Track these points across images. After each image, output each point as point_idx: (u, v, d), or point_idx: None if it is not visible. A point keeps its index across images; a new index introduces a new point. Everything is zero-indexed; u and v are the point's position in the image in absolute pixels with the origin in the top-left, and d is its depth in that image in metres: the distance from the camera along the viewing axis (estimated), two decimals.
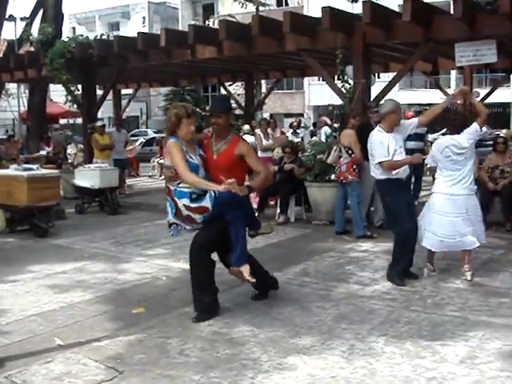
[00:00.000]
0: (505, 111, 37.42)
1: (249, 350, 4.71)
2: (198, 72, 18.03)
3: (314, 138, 16.66)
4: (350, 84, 10.32)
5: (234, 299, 5.99)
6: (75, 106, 15.37)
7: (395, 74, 11.34)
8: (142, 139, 28.86)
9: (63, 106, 20.67)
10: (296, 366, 4.38)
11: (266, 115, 30.73)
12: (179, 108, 5.42)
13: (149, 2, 51.43)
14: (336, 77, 10.71)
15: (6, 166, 11.48)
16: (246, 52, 11.68)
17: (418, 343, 4.78)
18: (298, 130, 17.85)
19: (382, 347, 4.71)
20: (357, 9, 11.29)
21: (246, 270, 5.41)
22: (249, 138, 11.40)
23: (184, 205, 5.31)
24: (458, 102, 6.65)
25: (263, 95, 21.77)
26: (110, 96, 17.03)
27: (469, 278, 6.60)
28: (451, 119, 6.72)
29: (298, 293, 6.29)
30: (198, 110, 5.40)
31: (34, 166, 10.33)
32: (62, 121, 31.66)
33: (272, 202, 11.43)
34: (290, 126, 18.79)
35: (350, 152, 9.11)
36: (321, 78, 14.49)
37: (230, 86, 22.35)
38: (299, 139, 16.47)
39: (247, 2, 28.83)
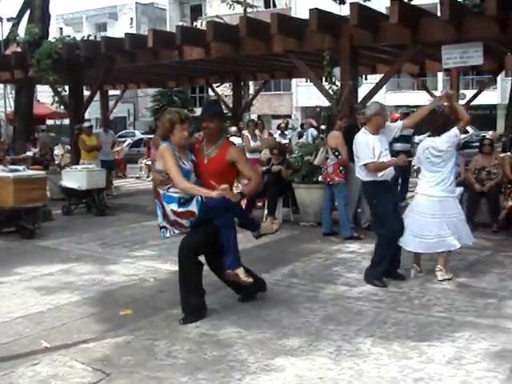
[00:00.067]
0: (491, 113, 37.64)
1: (236, 351, 4.70)
2: (186, 73, 18.02)
3: (302, 139, 16.68)
4: (337, 86, 10.35)
5: (222, 301, 5.98)
6: (62, 106, 15.30)
7: (382, 75, 11.38)
8: (129, 140, 28.78)
9: (50, 106, 20.54)
10: (283, 368, 4.38)
11: (254, 116, 30.77)
12: (173, 113, 5.41)
13: (136, 2, 51.25)
14: (323, 78, 10.74)
15: None
16: (233, 53, 11.69)
17: (405, 344, 4.80)
18: (285, 132, 17.88)
19: (369, 348, 4.73)
20: (344, 11, 11.33)
21: (241, 271, 5.45)
22: (236, 140, 11.39)
23: (171, 210, 5.33)
24: (445, 103, 6.68)
25: (251, 96, 21.80)
26: (97, 97, 16.98)
27: (439, 277, 6.68)
28: (432, 120, 6.76)
29: (285, 294, 6.30)
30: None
31: (21, 167, 10.28)
32: (49, 122, 31.52)
33: (260, 204, 11.43)
34: (278, 127, 18.82)
35: (336, 153, 9.13)
36: (308, 80, 14.52)
37: (217, 87, 22.35)
38: (287, 141, 16.49)
39: (235, 4, 28.84)
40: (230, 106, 18.55)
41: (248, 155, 11.65)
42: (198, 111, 6.15)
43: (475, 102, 16.76)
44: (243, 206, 10.74)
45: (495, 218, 9.57)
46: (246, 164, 5.75)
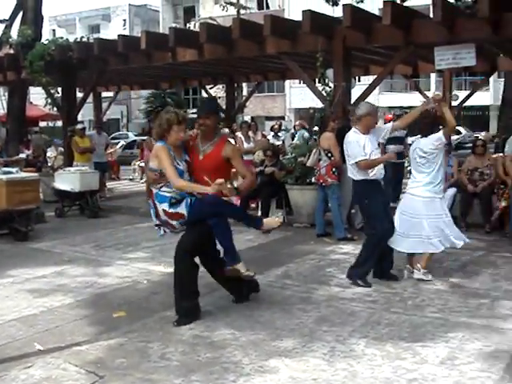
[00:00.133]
0: (484, 114, 37.77)
1: (230, 353, 4.70)
2: (179, 75, 18.00)
3: (295, 140, 16.74)
4: (330, 87, 10.36)
5: (216, 302, 5.98)
6: (55, 108, 15.27)
7: (375, 77, 11.40)
8: (122, 142, 28.77)
9: (43, 108, 20.50)
10: (277, 369, 4.37)
11: (247, 118, 30.76)
12: (170, 114, 5.40)
13: (129, 4, 51.22)
14: (317, 80, 10.74)
15: None
16: (226, 55, 11.68)
17: (399, 345, 4.80)
18: (279, 133, 17.88)
19: (362, 349, 4.73)
20: (337, 12, 11.34)
21: (241, 266, 5.48)
22: None
23: (163, 209, 5.34)
24: (431, 106, 6.72)
25: (244, 98, 21.77)
26: (90, 99, 16.94)
27: (415, 276, 6.75)
28: (420, 121, 6.79)
29: (279, 295, 6.30)
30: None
31: (14, 170, 10.26)
32: (42, 124, 31.44)
33: (253, 205, 11.44)
34: (271, 128, 18.82)
35: (329, 155, 9.15)
36: (302, 81, 14.54)
37: (210, 88, 22.35)
38: (280, 142, 16.50)
39: (228, 5, 28.85)
40: (224, 107, 18.53)
41: None
42: (192, 113, 6.14)
43: (468, 103, 16.82)
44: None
45: (488, 218, 9.60)
46: (241, 161, 5.80)
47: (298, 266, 7.63)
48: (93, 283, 6.92)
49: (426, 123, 6.74)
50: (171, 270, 6.97)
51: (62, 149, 15.48)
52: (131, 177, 20.69)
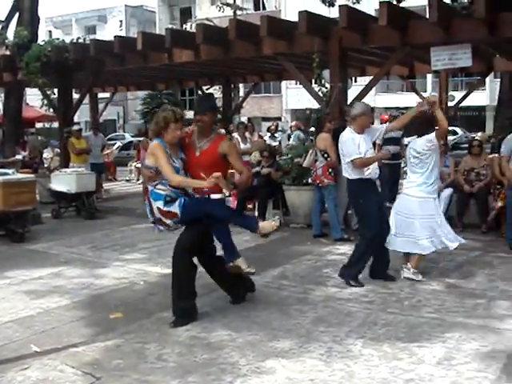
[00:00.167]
0: (480, 114, 37.88)
1: (227, 354, 4.70)
2: (176, 76, 17.98)
3: (291, 141, 16.80)
4: (326, 88, 10.36)
5: (213, 303, 5.98)
6: (51, 109, 15.23)
7: (372, 77, 11.40)
8: (119, 143, 28.74)
9: (39, 110, 20.46)
10: (274, 370, 4.38)
11: (244, 119, 30.75)
12: (168, 112, 5.40)
13: (126, 5, 51.19)
14: (313, 80, 10.75)
15: None
16: (223, 56, 11.68)
17: (396, 345, 4.81)
18: (275, 134, 17.90)
19: (359, 349, 4.74)
20: (333, 13, 11.34)
21: (242, 262, 5.49)
22: None
23: (158, 207, 5.35)
24: (424, 108, 6.73)
25: (241, 99, 21.75)
26: (86, 100, 16.89)
27: (404, 274, 6.77)
28: (417, 118, 6.80)
29: (275, 296, 6.30)
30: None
31: (10, 171, 10.24)
32: (38, 125, 31.39)
33: (250, 206, 11.43)
34: (268, 129, 18.83)
35: (325, 156, 9.15)
36: (298, 82, 14.57)
37: (207, 89, 22.27)
38: (277, 143, 16.52)
39: (225, 6, 28.84)
40: (220, 108, 18.52)
41: None
42: (188, 114, 6.13)
43: (464, 104, 16.81)
44: (233, 208, 10.80)
45: (484, 218, 9.61)
46: (238, 158, 5.78)
47: (294, 266, 7.63)
48: (89, 284, 6.91)
49: (420, 123, 6.76)
50: (168, 271, 6.97)
51: (59, 150, 15.46)
52: (128, 178, 20.67)
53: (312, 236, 9.41)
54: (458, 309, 5.75)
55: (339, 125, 9.27)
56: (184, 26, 39.16)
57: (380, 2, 9.03)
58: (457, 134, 30.63)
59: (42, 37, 18.19)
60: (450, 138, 23.14)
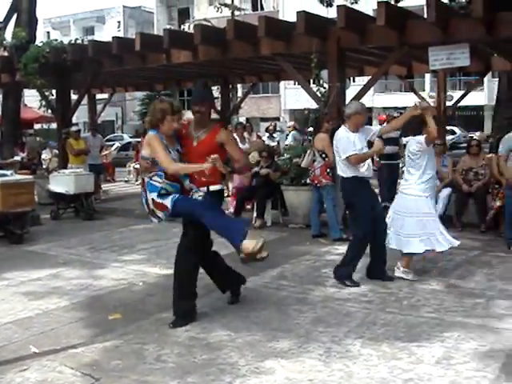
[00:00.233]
0: (478, 114, 37.90)
1: (226, 354, 4.70)
2: (174, 76, 17.96)
3: (287, 141, 16.84)
4: (324, 88, 10.35)
5: (212, 304, 5.98)
6: (49, 111, 15.23)
7: (370, 77, 11.40)
8: (117, 144, 28.72)
9: (37, 111, 20.47)
10: (273, 370, 4.38)
11: (242, 119, 30.75)
12: (165, 104, 5.40)
13: (124, 6, 51.19)
14: (311, 81, 10.75)
15: None
16: (221, 56, 11.67)
17: (395, 345, 4.81)
18: (274, 134, 17.90)
19: (358, 349, 4.74)
20: (331, 13, 11.34)
21: (250, 243, 5.11)
22: None
23: (152, 199, 5.33)
24: (416, 112, 6.75)
25: (239, 99, 21.76)
26: (84, 101, 16.89)
27: (395, 274, 6.79)
28: (413, 118, 6.82)
29: (274, 296, 6.30)
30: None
31: (8, 172, 10.22)
32: (37, 126, 31.39)
33: (249, 206, 11.44)
34: (266, 130, 18.84)
35: (323, 156, 9.16)
36: (296, 82, 14.58)
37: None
38: (275, 143, 16.53)
39: (223, 7, 28.85)
40: (219, 108, 18.51)
41: None
42: (187, 114, 6.12)
43: (462, 103, 16.84)
44: (232, 209, 10.82)
45: (483, 218, 9.62)
46: (235, 146, 5.78)
47: (293, 266, 7.63)
48: (88, 285, 6.91)
49: (416, 123, 6.77)
50: (167, 271, 7.01)
51: (57, 151, 15.45)
52: (126, 179, 20.66)
53: (311, 236, 9.41)
54: (456, 308, 5.76)
55: (337, 125, 9.27)
56: (182, 26, 39.14)
57: (378, 2, 9.03)
58: (455, 133, 30.63)
59: (40, 38, 18.18)
60: (449, 137, 23.13)
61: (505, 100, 16.63)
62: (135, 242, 9.30)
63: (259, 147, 12.07)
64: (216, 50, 11.47)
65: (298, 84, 11.54)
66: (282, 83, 39.50)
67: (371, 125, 28.27)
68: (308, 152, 9.65)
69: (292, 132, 17.75)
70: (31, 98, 24.46)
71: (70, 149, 13.30)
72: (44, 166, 15.81)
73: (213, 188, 5.47)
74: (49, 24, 52.55)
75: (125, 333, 5.25)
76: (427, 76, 34.37)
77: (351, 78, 16.49)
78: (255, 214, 10.61)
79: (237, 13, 29.35)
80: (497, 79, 20.21)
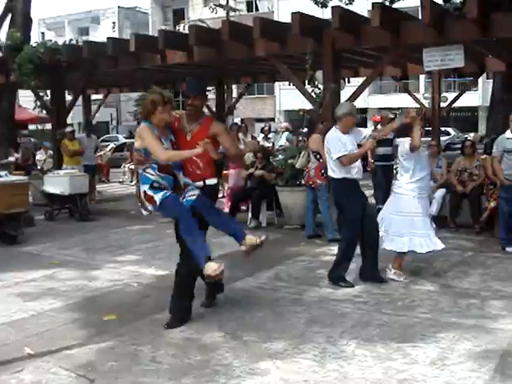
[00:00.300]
0: (473, 115, 38.00)
1: (221, 355, 4.70)
2: (169, 77, 17.95)
3: (280, 142, 16.86)
4: (319, 89, 10.37)
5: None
6: (44, 111, 15.20)
7: (365, 78, 11.41)
8: (112, 145, 28.65)
9: (32, 111, 20.42)
10: (268, 371, 4.38)
11: (237, 120, 30.75)
12: (155, 95, 5.36)
13: (119, 7, 51.14)
14: (306, 82, 10.75)
15: None
16: (216, 57, 11.66)
17: (389, 346, 4.82)
18: (269, 135, 17.90)
19: (353, 350, 4.74)
20: (326, 14, 11.35)
21: (251, 239, 5.47)
22: None
23: (144, 191, 5.31)
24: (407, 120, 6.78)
25: (234, 100, 21.77)
26: (79, 101, 16.88)
27: (387, 275, 6.80)
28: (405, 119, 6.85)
29: (270, 297, 6.30)
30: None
31: (3, 173, 10.19)
32: (31, 127, 31.33)
33: (243, 207, 11.43)
34: (261, 130, 18.84)
35: (318, 156, 9.17)
36: (291, 83, 14.55)
37: None
38: (270, 144, 16.52)
39: (218, 8, 28.86)
40: (213, 109, 18.52)
41: None
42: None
43: (457, 104, 16.87)
44: (227, 210, 10.81)
45: (477, 219, 9.64)
46: (228, 137, 5.79)
47: (288, 267, 7.63)
48: (83, 286, 6.89)
49: (408, 125, 6.78)
50: (162, 272, 7.01)
51: (52, 152, 15.42)
52: (121, 179, 20.63)
53: (306, 237, 9.41)
54: (451, 309, 5.77)
55: (332, 126, 9.28)
56: (177, 27, 39.16)
57: (373, 3, 9.05)
58: (449, 134, 30.67)
59: (35, 38, 18.17)
60: (443, 138, 23.16)
61: (499, 101, 16.67)
62: (130, 242, 9.29)
63: (254, 148, 12.06)
64: (211, 50, 11.47)
65: (293, 85, 11.53)
66: (277, 84, 39.55)
67: (366, 126, 28.35)
68: (303, 153, 9.67)
69: (285, 133, 17.76)
70: (26, 99, 24.41)
71: (65, 149, 13.27)
72: (39, 167, 15.78)
73: (209, 182, 5.47)
74: (43, 25, 52.47)
75: (120, 334, 5.24)
76: (422, 77, 34.45)
77: (346, 79, 16.50)
78: (250, 215, 10.62)
79: (232, 14, 29.39)
80: (491, 80, 20.26)
